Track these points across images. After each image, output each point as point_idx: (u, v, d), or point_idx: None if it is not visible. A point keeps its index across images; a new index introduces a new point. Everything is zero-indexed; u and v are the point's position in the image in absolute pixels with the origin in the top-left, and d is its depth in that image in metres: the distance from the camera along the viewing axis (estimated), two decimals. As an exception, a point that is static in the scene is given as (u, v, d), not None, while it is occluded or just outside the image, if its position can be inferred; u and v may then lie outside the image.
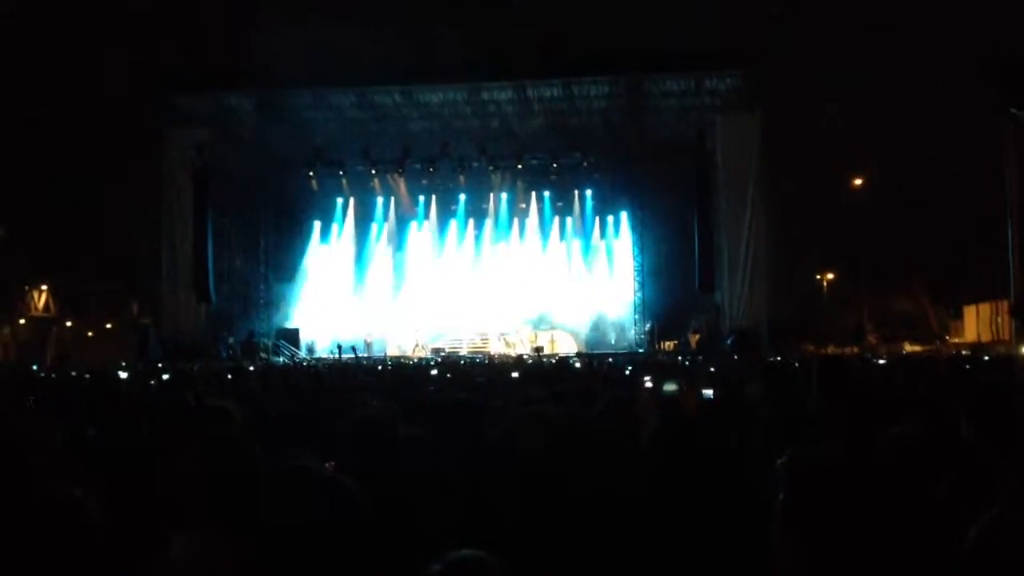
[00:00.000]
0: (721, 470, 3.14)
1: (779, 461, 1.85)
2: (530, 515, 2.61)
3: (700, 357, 21.52)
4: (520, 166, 31.75)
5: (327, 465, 2.72)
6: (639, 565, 2.46)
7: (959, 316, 39.66)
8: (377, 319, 33.06)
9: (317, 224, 35.07)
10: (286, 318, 32.77)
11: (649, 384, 6.28)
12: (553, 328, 32.55)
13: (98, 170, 37.77)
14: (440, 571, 1.88)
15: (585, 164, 31.56)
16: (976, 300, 37.06)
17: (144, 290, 37.00)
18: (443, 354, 27.33)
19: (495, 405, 5.59)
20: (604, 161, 31.77)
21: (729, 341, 26.62)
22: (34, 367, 19.52)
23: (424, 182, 33.11)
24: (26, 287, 46.94)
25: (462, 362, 17.76)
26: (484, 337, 32.24)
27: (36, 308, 47.99)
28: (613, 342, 32.19)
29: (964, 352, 23.31)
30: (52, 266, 45.14)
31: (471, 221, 34.71)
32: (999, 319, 34.18)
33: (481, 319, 32.64)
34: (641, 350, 28.58)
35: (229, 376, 11.37)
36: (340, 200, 34.89)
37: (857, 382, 4.24)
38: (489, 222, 34.56)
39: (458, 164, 31.49)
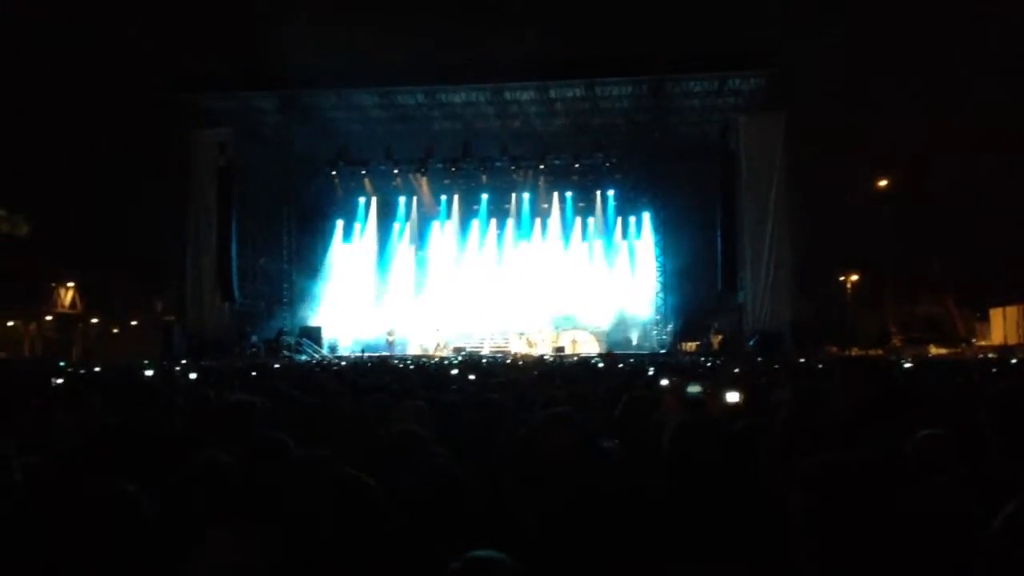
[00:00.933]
0: (747, 474, 3.14)
1: (806, 464, 1.85)
2: (550, 517, 2.62)
3: (722, 358, 21.36)
4: (542, 166, 31.80)
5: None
6: (660, 567, 2.46)
7: (985, 319, 39.16)
8: (399, 318, 33.19)
9: (340, 223, 35.32)
10: (309, 316, 32.98)
11: (671, 385, 6.25)
12: (575, 328, 32.51)
13: (124, 169, 38.24)
14: (458, 569, 1.91)
15: (607, 164, 31.54)
16: (1003, 303, 36.61)
17: (169, 287, 37.34)
18: (464, 354, 27.37)
19: (516, 406, 5.60)
20: (626, 161, 31.70)
21: (752, 342, 26.43)
22: (61, 363, 19.74)
23: (447, 182, 33.25)
24: (52, 284, 47.61)
25: (484, 362, 17.72)
26: (505, 337, 32.24)
27: (62, 305, 48.64)
28: (635, 342, 32.10)
29: (991, 355, 23.03)
30: (78, 263, 45.75)
31: (493, 221, 34.83)
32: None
33: (503, 319, 32.64)
34: (663, 350, 28.43)
35: (253, 373, 11.47)
36: (363, 199, 35.11)
37: (887, 387, 4.20)
38: (511, 222, 34.65)
39: (480, 164, 31.63)
